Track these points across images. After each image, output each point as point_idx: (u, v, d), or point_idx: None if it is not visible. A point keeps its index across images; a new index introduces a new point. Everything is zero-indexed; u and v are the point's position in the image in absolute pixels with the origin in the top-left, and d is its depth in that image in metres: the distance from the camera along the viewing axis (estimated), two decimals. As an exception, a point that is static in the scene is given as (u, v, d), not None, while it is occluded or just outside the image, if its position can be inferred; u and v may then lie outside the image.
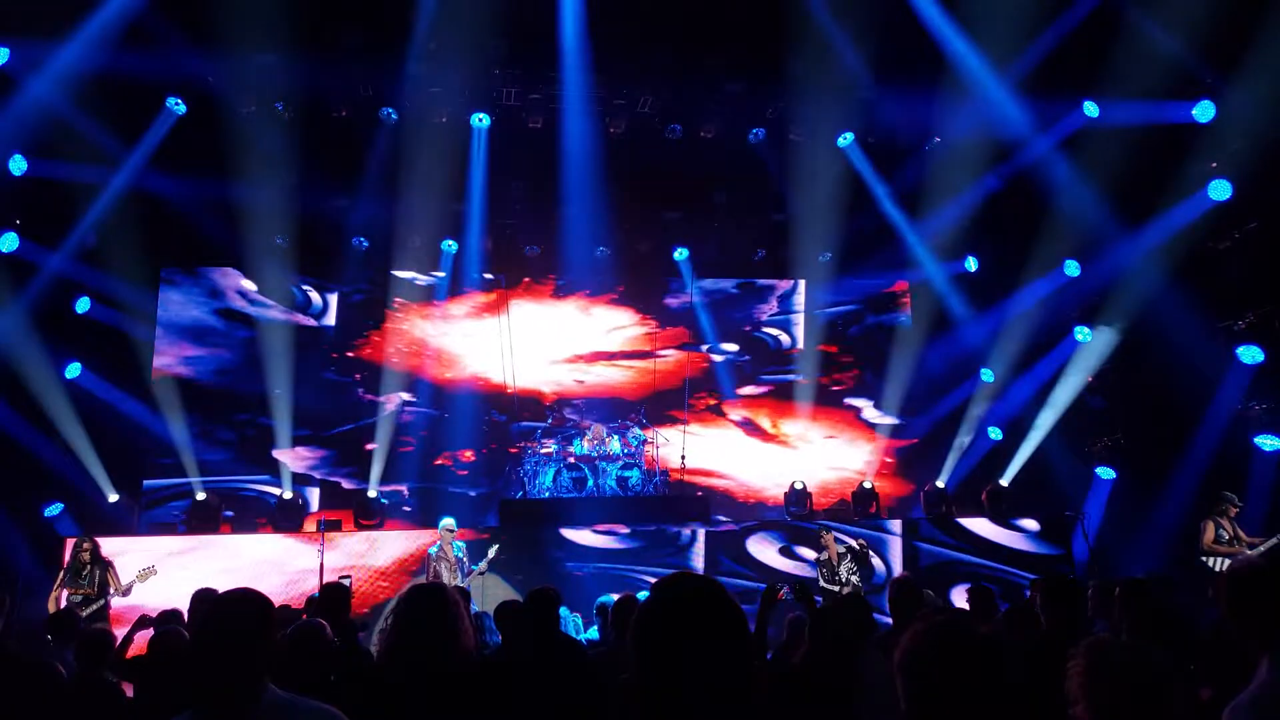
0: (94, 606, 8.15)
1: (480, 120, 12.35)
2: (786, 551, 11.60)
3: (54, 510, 10.93)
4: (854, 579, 9.95)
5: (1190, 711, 2.33)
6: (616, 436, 13.23)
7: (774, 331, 15.40)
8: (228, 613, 2.22)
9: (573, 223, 13.42)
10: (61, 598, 8.17)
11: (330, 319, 14.14)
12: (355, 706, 3.50)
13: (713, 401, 14.96)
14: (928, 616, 1.87)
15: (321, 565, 9.93)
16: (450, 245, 13.85)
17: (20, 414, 10.43)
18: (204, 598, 5.64)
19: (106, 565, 8.39)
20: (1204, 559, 8.55)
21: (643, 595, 6.88)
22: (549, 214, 13.48)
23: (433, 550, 9.63)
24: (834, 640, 4.22)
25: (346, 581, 9.25)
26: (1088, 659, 2.18)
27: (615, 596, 4.92)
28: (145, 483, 12.66)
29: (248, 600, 2.26)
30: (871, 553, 10.91)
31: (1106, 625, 4.90)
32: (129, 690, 4.84)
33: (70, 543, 8.94)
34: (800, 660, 4.21)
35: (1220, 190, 10.26)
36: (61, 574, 8.43)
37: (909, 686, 1.74)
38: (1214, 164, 10.37)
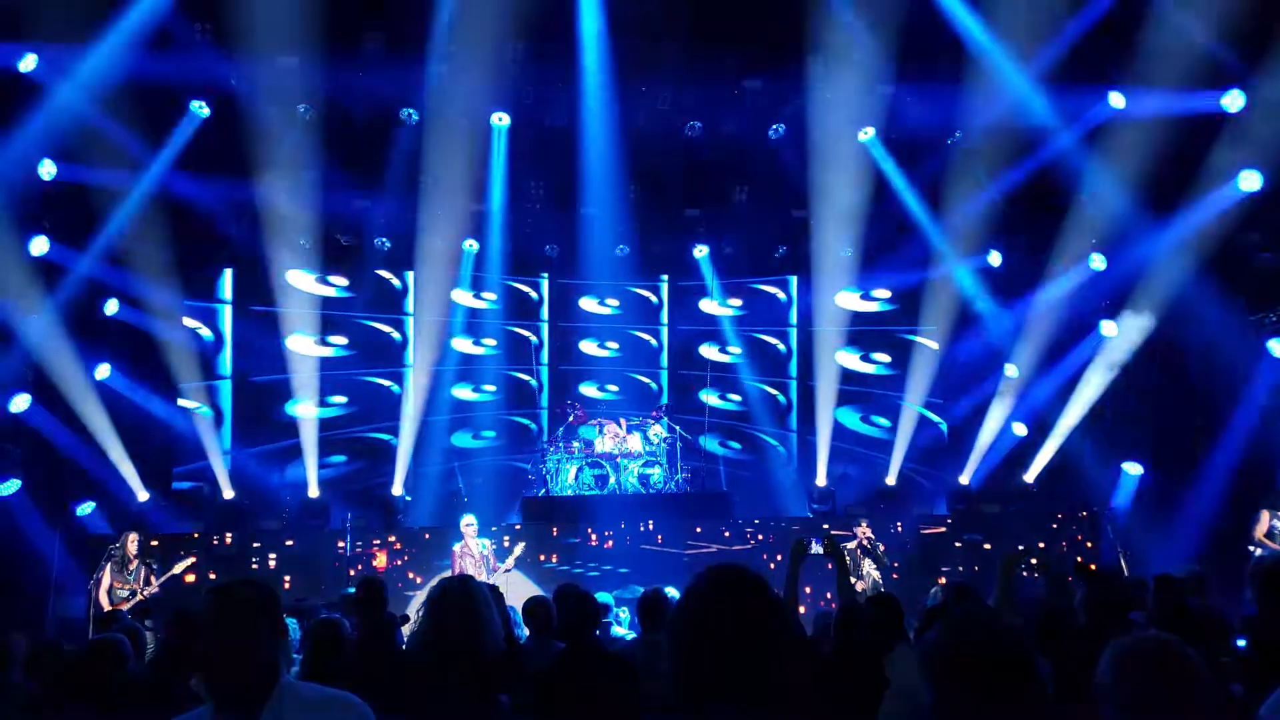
0: (136, 600, 8.27)
1: (500, 120, 12.36)
2: None
3: (85, 509, 11.09)
4: (876, 574, 9.89)
5: (1219, 703, 2.30)
6: (639, 433, 13.15)
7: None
8: (229, 601, 2.19)
9: (593, 222, 13.42)
10: (110, 591, 8.26)
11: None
12: (385, 697, 3.53)
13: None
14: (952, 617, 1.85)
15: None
16: (471, 246, 13.87)
17: (52, 414, 10.59)
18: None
19: (150, 561, 8.50)
20: (1251, 548, 8.13)
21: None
22: (569, 213, 13.49)
23: (456, 546, 9.73)
24: (863, 639, 4.17)
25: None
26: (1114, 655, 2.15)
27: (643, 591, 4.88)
28: (174, 484, 12.79)
29: (249, 588, 2.24)
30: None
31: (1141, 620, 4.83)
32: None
33: (133, 538, 8.91)
34: (830, 655, 4.18)
35: (1250, 181, 10.08)
36: (109, 567, 8.49)
37: (936, 684, 1.71)
38: (1243, 155, 10.18)
